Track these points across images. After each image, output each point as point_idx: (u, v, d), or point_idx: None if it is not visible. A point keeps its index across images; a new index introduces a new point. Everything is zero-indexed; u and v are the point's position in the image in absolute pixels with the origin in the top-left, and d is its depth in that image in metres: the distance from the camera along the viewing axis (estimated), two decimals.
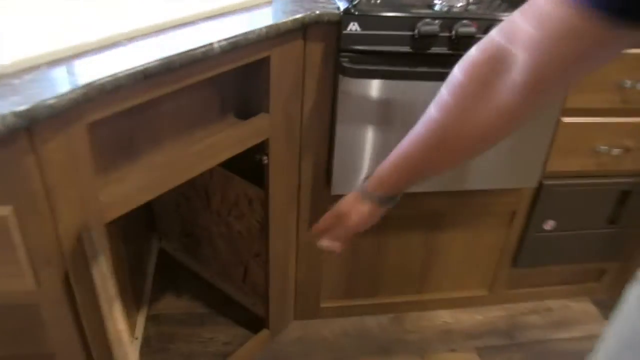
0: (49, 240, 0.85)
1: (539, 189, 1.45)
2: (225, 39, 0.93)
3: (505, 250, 1.59)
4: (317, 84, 1.21)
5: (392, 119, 1.24)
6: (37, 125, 0.75)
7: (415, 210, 1.46)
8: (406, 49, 1.14)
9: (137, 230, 1.67)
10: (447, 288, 1.65)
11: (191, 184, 1.58)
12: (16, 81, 0.76)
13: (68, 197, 0.84)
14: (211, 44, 0.91)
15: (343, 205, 0.85)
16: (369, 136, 1.26)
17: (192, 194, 1.60)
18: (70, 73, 0.79)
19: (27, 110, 0.71)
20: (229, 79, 1.12)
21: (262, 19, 1.05)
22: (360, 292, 1.63)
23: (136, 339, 1.53)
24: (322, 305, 1.62)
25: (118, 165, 0.96)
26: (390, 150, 0.75)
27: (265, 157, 1.23)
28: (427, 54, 1.15)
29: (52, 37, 0.86)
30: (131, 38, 0.91)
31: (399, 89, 1.20)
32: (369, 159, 1.30)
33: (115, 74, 0.79)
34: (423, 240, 1.53)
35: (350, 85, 1.18)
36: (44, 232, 0.84)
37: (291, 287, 1.55)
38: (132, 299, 1.56)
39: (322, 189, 1.37)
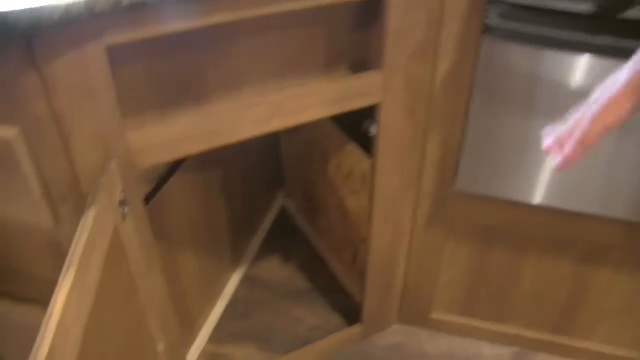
0: (65, 175, 0.73)
1: None
2: None
3: None
4: (457, 43, 0.91)
5: (548, 103, 0.90)
6: (33, 37, 0.61)
7: (571, 234, 1.10)
8: (586, 7, 0.79)
9: (256, 182, 1.55)
10: (596, 338, 1.26)
11: (312, 142, 1.40)
12: None
13: (84, 130, 0.71)
14: None
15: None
16: (512, 123, 0.94)
17: (312, 153, 1.42)
18: None
19: (14, 15, 0.57)
20: (338, 20, 0.89)
21: None
22: (482, 313, 1.32)
23: (224, 296, 1.43)
24: (433, 315, 1.35)
25: (165, 106, 0.80)
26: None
27: (373, 126, 0.98)
28: (618, 19, 0.78)
29: None
30: None
31: (565, 64, 0.85)
32: (508, 151, 0.98)
33: None
34: (573, 271, 1.16)
35: (496, 50, 0.86)
36: (58, 164, 0.72)
37: (397, 287, 1.31)
38: (230, 255, 1.46)
39: (450, 180, 1.08)
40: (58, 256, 0.94)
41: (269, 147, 1.61)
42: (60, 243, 0.82)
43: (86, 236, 0.62)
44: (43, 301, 1.00)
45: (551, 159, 0.49)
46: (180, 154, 0.81)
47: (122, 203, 0.76)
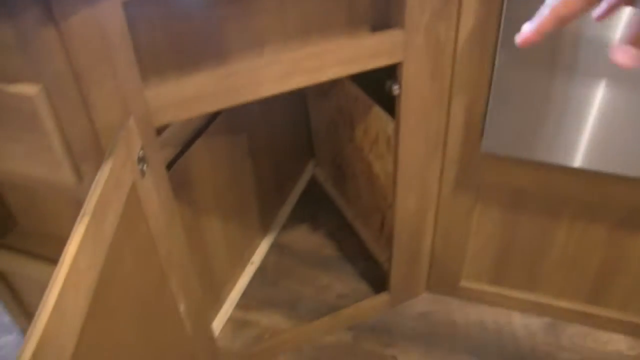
0: (85, 133, 0.75)
1: None
2: None
3: None
4: (480, 1, 0.88)
5: (574, 59, 0.86)
6: None
7: (604, 198, 1.05)
8: None
9: (286, 151, 1.55)
10: (632, 309, 1.22)
11: (339, 108, 1.39)
12: None
13: (102, 88, 0.72)
14: None
15: None
16: (538, 82, 0.91)
17: (339, 120, 1.41)
18: None
19: None
20: None
21: None
22: (513, 282, 1.29)
23: (251, 263, 1.44)
24: (462, 284, 1.33)
25: (184, 65, 0.81)
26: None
27: (396, 87, 0.96)
28: None
29: None
30: None
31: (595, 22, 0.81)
32: (534, 112, 0.94)
33: None
34: (607, 238, 1.12)
35: (521, 4, 0.83)
36: (79, 122, 0.74)
37: (425, 254, 1.29)
38: (259, 222, 1.47)
39: (477, 143, 1.05)
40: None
41: (299, 117, 1.61)
42: (82, 202, 0.84)
43: (102, 187, 0.63)
44: None
45: None
46: (199, 112, 0.81)
47: (141, 160, 0.77)
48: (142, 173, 0.77)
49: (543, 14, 0.48)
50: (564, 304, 1.28)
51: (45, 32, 0.65)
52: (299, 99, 1.57)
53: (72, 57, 0.68)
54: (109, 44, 0.69)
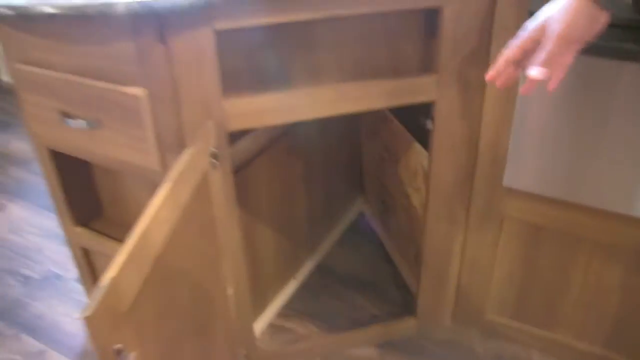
0: (174, 129, 0.95)
1: None
2: None
3: None
4: None
5: (591, 104, 1.00)
6: (165, 19, 0.84)
7: (620, 238, 1.16)
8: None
9: (337, 183, 1.73)
10: None
11: (385, 145, 1.56)
12: None
13: (192, 95, 0.93)
14: None
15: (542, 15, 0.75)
16: (558, 123, 1.05)
17: (386, 156, 1.58)
18: None
19: (156, 3, 0.80)
20: (403, 27, 1.06)
21: None
22: (533, 319, 1.38)
23: (295, 279, 1.60)
24: (486, 316, 1.43)
25: (256, 85, 1.01)
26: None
27: (429, 121, 1.13)
28: None
29: None
30: None
31: (604, 70, 0.96)
32: (554, 151, 1.08)
33: None
34: (623, 281, 1.21)
35: None
36: (170, 120, 0.95)
37: (451, 284, 1.41)
38: (306, 243, 1.64)
39: (500, 177, 1.19)
40: None
41: (352, 155, 1.79)
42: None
43: (182, 165, 0.82)
44: None
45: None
46: (264, 123, 1.01)
47: (214, 155, 0.97)
48: (214, 165, 0.96)
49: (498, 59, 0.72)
50: (582, 346, 1.34)
51: (157, 49, 0.87)
52: (354, 138, 1.75)
53: (173, 69, 0.90)
54: (201, 61, 0.90)
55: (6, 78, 2.84)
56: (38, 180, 2.16)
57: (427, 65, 1.09)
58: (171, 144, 0.97)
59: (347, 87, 1.04)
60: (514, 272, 1.33)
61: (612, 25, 0.81)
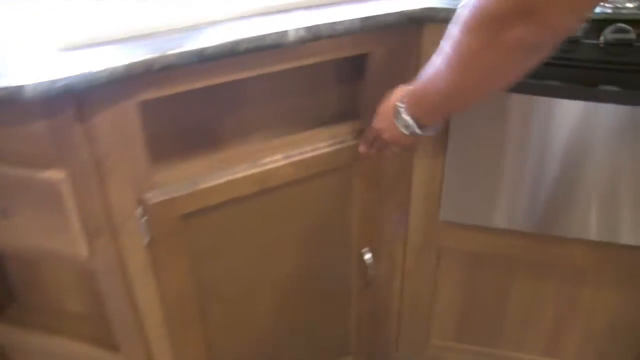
0: (101, 211, 0.87)
1: None
2: (305, 27, 0.85)
3: None
4: None
5: (513, 139, 1.04)
6: (82, 96, 0.75)
7: (550, 258, 1.21)
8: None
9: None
10: (586, 358, 1.35)
11: None
12: (69, 55, 0.77)
13: (119, 172, 0.84)
14: (285, 31, 0.84)
15: (379, 121, 0.90)
16: (486, 158, 1.08)
17: None
18: (121, 51, 0.78)
19: (70, 80, 0.71)
20: (328, 75, 1.04)
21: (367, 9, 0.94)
22: (475, 339, 1.41)
23: None
24: (432, 342, 1.44)
25: (187, 150, 0.95)
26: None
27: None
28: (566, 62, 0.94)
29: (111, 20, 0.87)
30: (210, 23, 0.88)
31: (522, 105, 0.99)
32: (482, 187, 1.11)
33: (164, 54, 0.76)
34: (556, 292, 1.27)
35: None
36: (96, 202, 0.86)
37: (394, 316, 1.41)
38: None
39: (436, 212, 1.21)
40: (88, 290, 1.07)
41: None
42: (92, 274, 0.95)
43: None
44: (71, 334, 1.12)
45: None
46: (198, 192, 0.94)
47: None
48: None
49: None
50: (524, 355, 1.39)
51: (75, 127, 0.78)
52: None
53: (95, 148, 0.81)
54: (126, 136, 0.83)
55: None
56: None
57: (353, 111, 1.08)
58: (99, 228, 0.88)
59: (276, 141, 1.00)
60: (455, 298, 1.35)
61: None
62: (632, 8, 0.91)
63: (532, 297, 1.29)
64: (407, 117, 0.82)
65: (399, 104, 0.83)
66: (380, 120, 0.89)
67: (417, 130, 0.82)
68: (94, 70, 0.72)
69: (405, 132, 0.83)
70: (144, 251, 0.90)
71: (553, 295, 1.27)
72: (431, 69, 0.74)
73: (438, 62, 0.71)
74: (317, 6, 0.94)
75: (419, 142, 1.10)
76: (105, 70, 0.72)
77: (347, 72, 1.06)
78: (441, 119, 0.85)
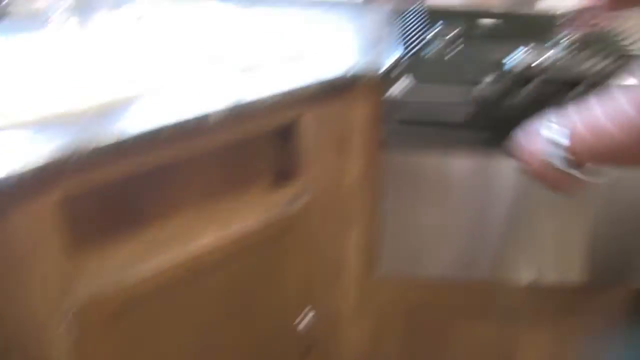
0: (20, 320, 0.80)
1: None
2: (224, 110, 0.83)
3: None
4: (362, 157, 1.07)
5: (447, 194, 1.07)
6: None
7: (484, 300, 1.24)
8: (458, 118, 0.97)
9: None
10: None
11: None
12: None
13: (37, 272, 0.78)
14: (206, 115, 0.81)
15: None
16: (421, 214, 1.10)
17: None
18: (31, 143, 0.72)
19: None
20: (261, 143, 1.02)
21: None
22: None
23: None
24: None
25: (113, 235, 0.89)
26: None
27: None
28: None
29: None
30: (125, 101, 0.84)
31: (454, 163, 1.02)
32: (423, 239, 1.13)
33: (84, 146, 0.72)
34: (496, 336, 1.29)
35: (394, 160, 1.03)
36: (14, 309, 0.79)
37: None
38: None
39: (374, 269, 1.21)
40: None
41: None
42: None
43: None
44: None
45: None
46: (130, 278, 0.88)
47: None
48: None
49: None
50: None
51: None
52: None
53: (8, 249, 0.74)
54: (43, 234, 0.76)
55: None
56: None
57: (290, 174, 1.06)
58: (19, 337, 0.80)
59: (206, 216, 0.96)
60: (396, 345, 1.35)
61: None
62: None
63: (474, 339, 1.31)
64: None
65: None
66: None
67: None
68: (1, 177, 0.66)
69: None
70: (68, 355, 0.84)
71: (492, 337, 1.29)
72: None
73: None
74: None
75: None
76: (14, 174, 0.66)
77: (276, 138, 1.04)
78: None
